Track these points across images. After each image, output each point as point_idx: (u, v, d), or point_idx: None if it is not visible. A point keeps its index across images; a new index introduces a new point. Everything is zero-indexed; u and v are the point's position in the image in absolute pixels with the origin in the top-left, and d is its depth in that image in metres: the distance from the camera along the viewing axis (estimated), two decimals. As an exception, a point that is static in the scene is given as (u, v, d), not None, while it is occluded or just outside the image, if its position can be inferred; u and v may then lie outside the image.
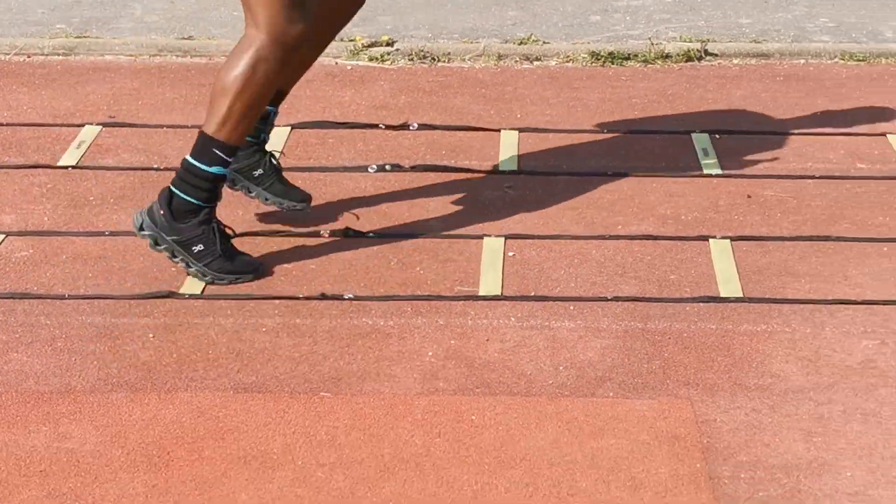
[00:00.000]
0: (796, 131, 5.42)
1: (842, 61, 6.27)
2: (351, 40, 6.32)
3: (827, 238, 4.52)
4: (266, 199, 4.58)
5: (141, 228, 4.28)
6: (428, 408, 3.56)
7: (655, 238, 4.52)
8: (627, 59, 6.25)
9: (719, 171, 5.05)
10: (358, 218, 4.64)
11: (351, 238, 4.51)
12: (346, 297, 4.11)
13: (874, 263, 4.35)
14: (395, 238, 4.52)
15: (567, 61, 6.25)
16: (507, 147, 5.26)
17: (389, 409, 3.55)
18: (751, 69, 6.20)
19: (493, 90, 5.89)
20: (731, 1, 7.01)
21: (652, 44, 6.33)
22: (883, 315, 4.02)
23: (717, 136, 5.36)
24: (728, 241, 4.49)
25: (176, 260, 4.28)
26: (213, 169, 4.22)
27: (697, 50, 6.30)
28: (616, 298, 4.11)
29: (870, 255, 4.40)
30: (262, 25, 4.16)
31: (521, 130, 5.41)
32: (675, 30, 6.57)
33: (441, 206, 4.77)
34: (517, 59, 6.27)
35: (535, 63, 6.25)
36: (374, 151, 5.22)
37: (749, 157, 5.19)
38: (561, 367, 3.74)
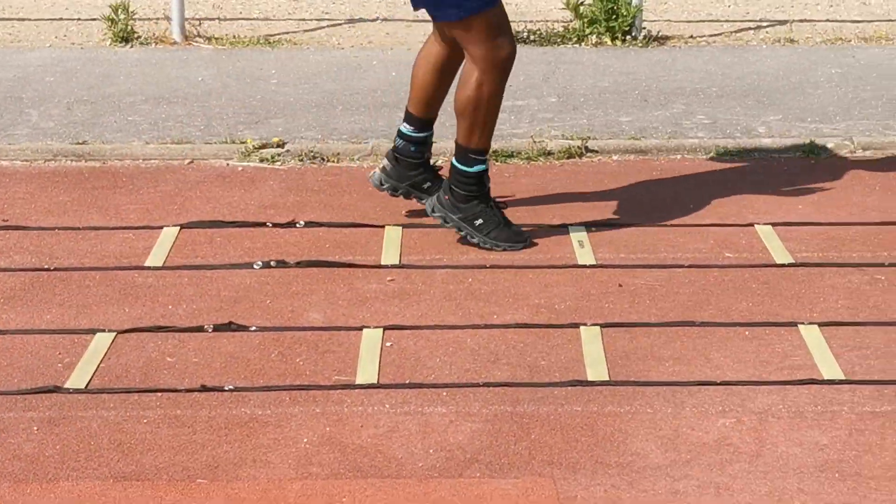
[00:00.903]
0: (669, 223, 5.64)
1: (716, 156, 6.52)
2: (242, 142, 6.49)
3: (692, 323, 4.71)
4: (435, 209, 5.39)
5: (433, 211, 5.32)
6: (301, 492, 3.68)
7: (528, 326, 4.69)
8: (511, 156, 6.47)
9: (593, 262, 5.25)
10: (241, 312, 4.79)
11: (234, 332, 4.65)
12: (227, 389, 4.24)
13: (735, 346, 4.54)
14: (277, 331, 4.66)
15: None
16: (391, 242, 5.43)
17: (263, 493, 3.68)
18: (629, 164, 6.44)
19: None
20: (612, 100, 7.27)
21: (534, 141, 6.55)
22: (741, 395, 4.20)
23: (594, 228, 5.56)
24: (598, 327, 4.67)
25: (462, 233, 5.32)
26: (474, 168, 5.28)
27: (578, 147, 6.53)
28: (487, 384, 4.27)
29: (731, 339, 4.60)
30: (477, 56, 5.13)
31: (404, 226, 5.58)
32: (558, 128, 6.80)
33: (323, 299, 4.93)
34: (404, 158, 6.46)
35: (421, 161, 6.44)
36: (260, 249, 5.38)
37: (623, 248, 5.40)
38: (431, 451, 3.88)
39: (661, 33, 8.66)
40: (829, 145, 6.61)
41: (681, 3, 9.65)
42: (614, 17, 8.46)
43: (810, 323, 4.69)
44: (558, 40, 8.52)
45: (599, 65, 7.99)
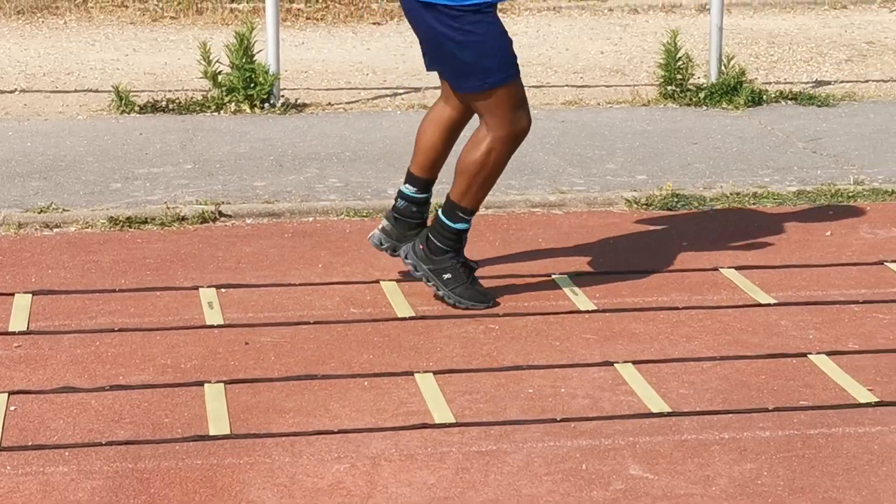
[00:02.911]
0: (297, 283, 5.81)
1: (347, 217, 6.76)
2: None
3: (314, 377, 4.88)
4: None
5: (406, 257, 5.47)
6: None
7: (154, 386, 4.77)
8: (145, 222, 6.55)
9: (221, 322, 5.37)
10: None
11: None
12: None
13: (354, 396, 4.73)
14: None
15: (86, 227, 6.50)
16: (19, 309, 5.44)
17: None
18: (262, 228, 6.61)
19: (11, 257, 6.07)
20: (247, 166, 7.44)
21: (168, 207, 6.66)
22: (356, 441, 4.39)
23: (224, 289, 5.70)
24: (222, 384, 4.79)
25: (430, 284, 5.46)
26: (458, 225, 5.42)
27: (212, 212, 6.67)
28: (110, 443, 4.33)
29: (351, 390, 4.79)
30: (493, 127, 5.25)
31: (34, 293, 5.60)
32: (193, 193, 6.92)
33: (-53, 368, 4.92)
34: (37, 226, 6.48)
35: (55, 230, 6.47)
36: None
37: (251, 308, 5.55)
38: (50, 510, 3.95)
39: (299, 101, 8.91)
40: (454, 204, 6.91)
41: (320, 71, 9.94)
42: (252, 85, 8.65)
43: (426, 371, 4.93)
44: (198, 109, 8.65)
45: (237, 132, 8.17)
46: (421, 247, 5.43)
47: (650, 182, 7.26)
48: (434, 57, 5.36)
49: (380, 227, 5.70)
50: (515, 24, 11.39)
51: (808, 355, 5.13)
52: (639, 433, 4.48)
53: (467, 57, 5.20)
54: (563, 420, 4.56)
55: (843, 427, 4.53)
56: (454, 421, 4.56)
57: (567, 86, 9.53)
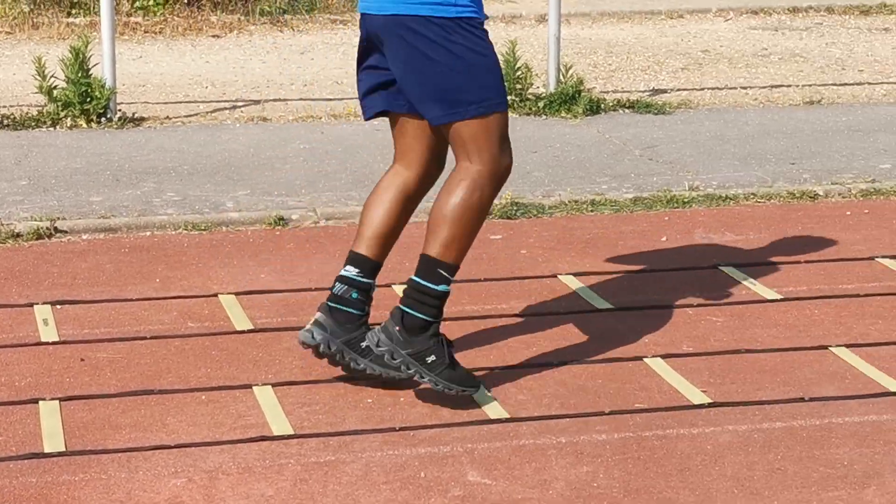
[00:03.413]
0: (135, 298, 5.77)
1: (185, 231, 6.71)
2: None
3: (151, 392, 4.84)
4: (374, 370, 4.75)
5: (378, 344, 4.61)
6: None
7: (-13, 404, 4.72)
8: (-24, 243, 6.45)
9: (57, 339, 5.30)
10: None
11: None
12: None
13: (192, 411, 4.71)
14: None
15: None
16: None
17: None
18: (98, 243, 6.54)
19: None
20: (82, 181, 7.36)
21: (2, 224, 6.55)
22: (193, 456, 4.36)
23: (59, 305, 5.63)
24: (57, 401, 4.73)
25: (410, 372, 4.63)
26: (441, 287, 4.64)
27: (47, 228, 6.58)
28: (-58, 462, 4.28)
29: (189, 404, 4.76)
30: (479, 160, 4.61)
31: None
32: (28, 210, 6.82)
33: None
34: None
35: None
36: None
37: (87, 324, 5.49)
38: None
39: (136, 115, 8.85)
40: (294, 216, 6.92)
41: (158, 85, 9.87)
42: (89, 99, 8.56)
43: (264, 384, 4.92)
44: (33, 124, 8.55)
45: (73, 147, 8.08)
46: (398, 328, 4.63)
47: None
48: (413, 86, 4.65)
49: (311, 321, 4.82)
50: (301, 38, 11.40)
51: (644, 359, 5.21)
52: (477, 440, 4.51)
53: (461, 76, 4.61)
54: (401, 429, 4.59)
55: (678, 428, 4.61)
56: (293, 433, 4.55)
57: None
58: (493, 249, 6.50)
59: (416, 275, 4.68)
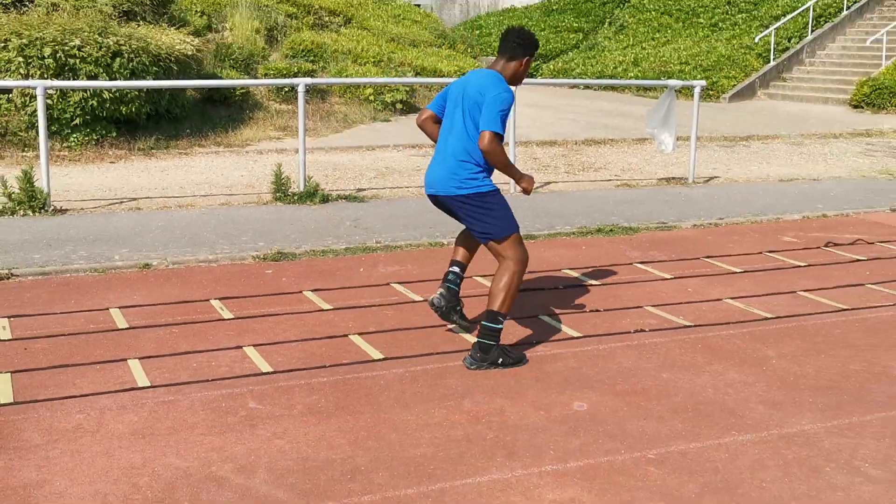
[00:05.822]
0: (58, 312, 5.45)
1: (90, 273, 6.36)
2: None
3: (66, 366, 4.58)
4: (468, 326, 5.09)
5: (470, 365, 4.64)
6: None
7: None
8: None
9: (10, 337, 4.98)
10: None
11: None
12: None
13: (91, 376, 4.46)
14: None
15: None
16: None
17: None
18: (38, 282, 6.14)
19: None
20: (29, 246, 6.90)
21: (-22, 272, 6.14)
22: (91, 401, 4.16)
23: (13, 318, 5.30)
24: (9, 374, 4.44)
25: (490, 367, 4.62)
26: (498, 325, 4.64)
27: (6, 273, 6.18)
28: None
29: (89, 372, 4.51)
30: (510, 259, 4.63)
31: None
32: (-6, 264, 6.41)
33: None
34: None
35: None
36: None
37: (30, 328, 5.16)
38: None
39: (62, 207, 8.41)
40: (154, 263, 6.61)
41: (77, 191, 9.37)
42: (33, 199, 8.15)
43: (134, 358, 4.69)
44: (-1, 214, 8.05)
45: (23, 227, 7.62)
46: (478, 355, 4.67)
47: (266, 246, 7.23)
48: (471, 223, 4.74)
49: (438, 293, 5.06)
50: (194, 161, 11.12)
51: (348, 335, 5.22)
52: (255, 384, 4.42)
53: (494, 219, 4.70)
54: (213, 380, 4.45)
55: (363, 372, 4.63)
56: (149, 384, 4.36)
57: (221, 194, 9.38)
58: (266, 277, 6.44)
59: (484, 322, 4.71)
